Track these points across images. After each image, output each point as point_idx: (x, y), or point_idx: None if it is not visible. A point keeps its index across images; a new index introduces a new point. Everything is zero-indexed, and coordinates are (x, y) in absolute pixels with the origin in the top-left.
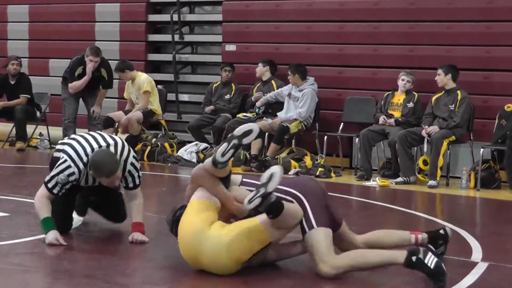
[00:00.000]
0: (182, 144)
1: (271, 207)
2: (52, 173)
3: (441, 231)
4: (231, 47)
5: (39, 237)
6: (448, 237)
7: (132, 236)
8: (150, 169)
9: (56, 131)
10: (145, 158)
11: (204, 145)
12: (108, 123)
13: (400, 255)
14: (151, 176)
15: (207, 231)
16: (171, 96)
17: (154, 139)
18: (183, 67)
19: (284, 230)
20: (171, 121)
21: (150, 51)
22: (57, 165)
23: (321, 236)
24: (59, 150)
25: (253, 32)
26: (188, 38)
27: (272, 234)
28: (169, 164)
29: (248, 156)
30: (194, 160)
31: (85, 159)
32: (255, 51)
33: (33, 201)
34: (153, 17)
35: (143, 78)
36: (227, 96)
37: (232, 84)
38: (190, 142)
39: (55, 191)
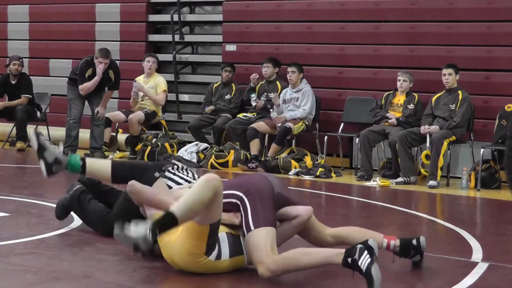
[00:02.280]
0: (182, 144)
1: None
2: None
3: (414, 242)
4: (231, 47)
5: (40, 237)
6: (420, 248)
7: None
8: None
9: (56, 131)
10: (145, 158)
11: (204, 145)
12: (106, 123)
13: (337, 256)
14: None
15: (167, 239)
16: (171, 96)
17: (154, 139)
18: (183, 67)
19: (210, 209)
20: (171, 121)
21: (151, 51)
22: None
23: (260, 237)
24: None
25: (253, 32)
26: (188, 38)
27: (202, 219)
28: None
29: (248, 156)
30: (195, 160)
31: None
32: (255, 51)
33: (33, 201)
34: (153, 17)
35: (162, 79)
36: (228, 96)
37: (233, 84)
38: (190, 142)
39: None
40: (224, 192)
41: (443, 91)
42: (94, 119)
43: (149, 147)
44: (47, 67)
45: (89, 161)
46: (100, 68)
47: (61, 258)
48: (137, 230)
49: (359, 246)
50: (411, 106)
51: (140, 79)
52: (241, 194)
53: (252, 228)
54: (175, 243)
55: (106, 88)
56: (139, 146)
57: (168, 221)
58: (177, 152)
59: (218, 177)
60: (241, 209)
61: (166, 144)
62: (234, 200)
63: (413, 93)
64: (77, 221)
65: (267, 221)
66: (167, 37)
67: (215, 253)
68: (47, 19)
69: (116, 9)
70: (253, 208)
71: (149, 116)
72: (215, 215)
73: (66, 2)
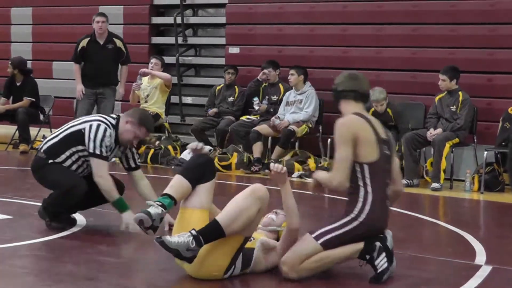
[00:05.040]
0: (185, 146)
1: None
2: (96, 142)
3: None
4: (234, 50)
5: (42, 240)
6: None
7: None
8: (153, 172)
9: None
10: (148, 160)
11: (207, 147)
12: None
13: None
14: (154, 179)
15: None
16: (174, 99)
17: (157, 142)
18: (187, 69)
19: (252, 221)
20: (174, 124)
21: (154, 54)
22: (92, 133)
23: (310, 248)
24: (74, 126)
25: (256, 35)
26: (191, 40)
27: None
28: (173, 167)
29: (251, 158)
30: None
31: (114, 121)
32: (258, 54)
33: (36, 203)
34: (156, 20)
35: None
36: (231, 99)
37: (236, 87)
38: None
39: (107, 154)
40: None
41: (445, 92)
42: None
43: (152, 150)
44: (51, 69)
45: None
46: (99, 27)
47: (64, 260)
48: (179, 238)
49: (378, 245)
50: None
51: (145, 80)
52: None
53: (315, 237)
54: (205, 251)
55: (120, 65)
56: (143, 149)
57: (213, 231)
58: (180, 155)
59: (264, 189)
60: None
61: (169, 147)
62: None
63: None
64: (79, 224)
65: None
66: (170, 40)
67: (230, 272)
68: (50, 21)
69: (119, 11)
70: (332, 226)
71: (152, 118)
72: (252, 229)
73: (69, 4)
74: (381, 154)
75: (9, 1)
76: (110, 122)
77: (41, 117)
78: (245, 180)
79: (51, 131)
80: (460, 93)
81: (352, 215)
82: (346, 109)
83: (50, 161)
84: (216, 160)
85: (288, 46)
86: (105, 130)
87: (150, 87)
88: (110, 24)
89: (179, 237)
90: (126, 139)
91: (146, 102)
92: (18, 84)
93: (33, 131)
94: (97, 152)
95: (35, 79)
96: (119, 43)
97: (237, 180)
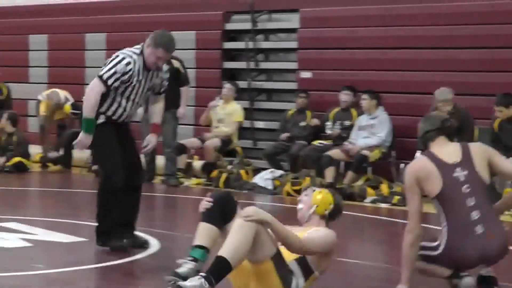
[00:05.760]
0: (257, 171)
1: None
2: (108, 66)
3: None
4: (307, 74)
5: (116, 263)
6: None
7: (148, 138)
8: None
9: None
10: (221, 185)
11: (279, 172)
12: (180, 150)
13: None
14: None
15: None
16: (246, 123)
17: (229, 166)
18: (258, 94)
19: (261, 244)
20: (246, 148)
21: (225, 78)
22: (110, 61)
23: None
24: None
25: (328, 59)
26: (263, 65)
27: (259, 256)
28: (245, 191)
29: (322, 184)
30: (270, 187)
31: (137, 50)
32: (330, 78)
33: None
34: (228, 45)
35: (239, 108)
36: (302, 123)
37: (308, 111)
38: (265, 169)
39: (110, 81)
40: None
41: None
42: (165, 145)
43: (225, 174)
44: None
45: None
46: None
47: (134, 283)
48: (192, 283)
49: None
50: None
51: (220, 103)
52: None
53: None
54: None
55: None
56: (215, 173)
57: (221, 267)
58: (252, 179)
59: (253, 209)
60: None
61: (242, 171)
62: None
63: None
64: (153, 248)
65: None
66: (241, 64)
67: (294, 285)
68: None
69: (192, 37)
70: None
71: (224, 142)
72: (270, 248)
73: (142, 30)
74: (447, 181)
75: (84, 27)
76: (133, 52)
77: None
78: None
79: None
80: None
81: (435, 244)
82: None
83: None
84: (288, 185)
85: (360, 70)
86: (122, 59)
87: (223, 112)
88: (182, 49)
89: (191, 281)
90: (149, 62)
91: (217, 128)
92: None
93: None
94: (101, 73)
95: None
96: (176, 63)
97: None
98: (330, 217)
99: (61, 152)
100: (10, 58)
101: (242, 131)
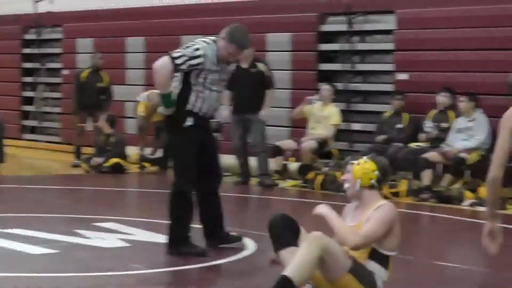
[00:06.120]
0: None
1: None
2: (180, 49)
3: None
4: (404, 76)
5: (213, 263)
6: None
7: None
8: (322, 198)
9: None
10: (317, 187)
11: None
12: (276, 152)
13: None
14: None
15: None
16: (342, 125)
17: (325, 168)
18: (355, 95)
19: (335, 261)
20: (343, 150)
21: (321, 80)
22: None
23: None
24: None
25: (425, 61)
26: (359, 66)
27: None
28: (341, 193)
29: (420, 186)
30: None
31: (209, 40)
32: (427, 80)
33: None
34: (323, 46)
35: (337, 111)
36: (399, 125)
37: (404, 113)
38: None
39: (179, 61)
40: None
41: None
42: (255, 147)
43: (321, 176)
44: None
45: None
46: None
47: (231, 285)
48: None
49: None
50: None
51: (318, 104)
52: None
53: None
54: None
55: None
56: (312, 175)
57: (284, 286)
58: None
59: (321, 236)
60: None
61: (338, 173)
62: None
63: None
64: (250, 249)
65: None
66: (337, 66)
67: (380, 282)
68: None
69: (287, 39)
70: None
71: (321, 144)
72: (344, 262)
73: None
74: None
75: (180, 29)
76: (205, 41)
77: None
78: (414, 208)
79: None
80: None
81: None
82: None
83: None
84: (385, 187)
85: (458, 72)
86: (192, 45)
87: (320, 115)
88: (278, 51)
89: None
90: (221, 55)
91: (313, 129)
92: None
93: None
94: (172, 52)
95: None
96: (261, 66)
97: (406, 208)
98: (380, 183)
99: (159, 153)
100: (107, 61)
101: (338, 133)
